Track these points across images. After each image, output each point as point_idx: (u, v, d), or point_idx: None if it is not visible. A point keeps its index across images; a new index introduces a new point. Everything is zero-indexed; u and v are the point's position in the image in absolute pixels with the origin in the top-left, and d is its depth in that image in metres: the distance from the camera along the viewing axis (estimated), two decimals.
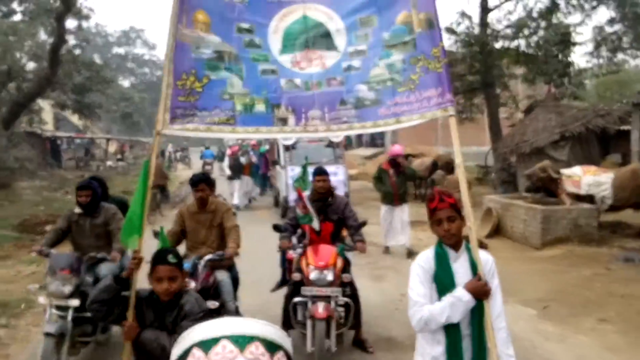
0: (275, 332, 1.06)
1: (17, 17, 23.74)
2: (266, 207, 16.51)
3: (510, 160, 15.02)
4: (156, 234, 4.96)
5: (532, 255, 9.07)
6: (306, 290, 4.90)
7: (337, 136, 12.89)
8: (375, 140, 32.92)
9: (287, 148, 13.79)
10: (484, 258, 2.89)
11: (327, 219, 5.49)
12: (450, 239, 2.82)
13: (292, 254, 5.69)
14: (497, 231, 10.40)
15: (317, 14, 3.87)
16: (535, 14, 16.12)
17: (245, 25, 3.81)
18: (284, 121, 3.75)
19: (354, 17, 3.81)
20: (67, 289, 4.58)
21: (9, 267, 9.47)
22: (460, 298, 2.69)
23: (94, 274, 4.98)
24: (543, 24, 15.36)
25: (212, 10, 3.75)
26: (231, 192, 15.74)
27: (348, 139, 27.92)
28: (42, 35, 20.17)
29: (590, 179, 9.81)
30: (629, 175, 9.63)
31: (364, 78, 3.74)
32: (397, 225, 9.60)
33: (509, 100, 18.42)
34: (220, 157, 25.71)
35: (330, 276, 4.91)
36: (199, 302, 3.20)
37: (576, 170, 10.19)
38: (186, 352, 1.00)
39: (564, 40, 14.61)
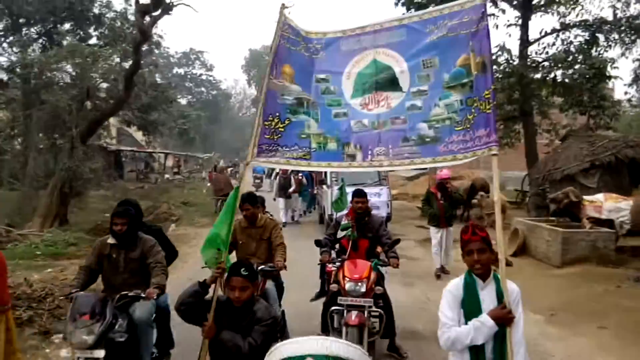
0: (357, 354, 1.10)
1: (93, 41, 26.33)
2: (312, 224, 17.45)
3: (544, 185, 15.76)
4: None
5: (552, 272, 9.92)
6: (342, 300, 5.31)
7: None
8: None
9: None
10: (510, 288, 3.10)
11: (364, 236, 6.00)
12: (479, 269, 3.07)
13: (331, 267, 6.11)
14: (523, 250, 11.26)
15: (386, 58, 4.23)
16: (573, 48, 16.89)
17: (322, 76, 4.34)
18: (352, 157, 4.21)
19: (418, 59, 4.11)
20: (91, 338, 3.96)
21: None
22: (484, 323, 2.95)
23: (127, 316, 4.40)
24: (580, 57, 16.09)
25: (296, 64, 4.30)
26: (281, 208, 16.68)
27: None
28: (116, 59, 22.18)
29: (610, 205, 10.61)
30: None
31: (425, 117, 4.04)
32: (447, 248, 10.04)
33: (550, 128, 19.13)
34: (269, 174, 27.17)
35: (363, 288, 5.29)
36: (269, 309, 3.56)
37: (598, 196, 10.99)
38: None
39: (599, 74, 15.33)
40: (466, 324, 2.99)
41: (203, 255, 4.13)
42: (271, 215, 6.97)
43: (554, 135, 19.12)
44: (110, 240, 4.66)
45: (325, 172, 15.11)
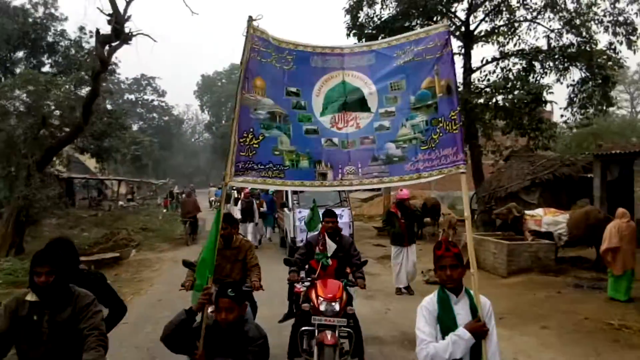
0: None
1: (46, 69, 26.17)
2: (274, 247, 17.29)
3: (490, 203, 16.80)
4: (185, 264, 5.61)
5: (499, 282, 10.75)
6: (316, 319, 5.26)
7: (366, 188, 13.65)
8: None
9: (295, 191, 14.01)
10: (483, 301, 3.20)
11: (334, 256, 6.00)
12: (452, 284, 3.15)
13: (299, 288, 6.21)
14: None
15: (355, 80, 4.33)
16: (512, 76, 18.19)
17: (293, 89, 4.31)
18: (323, 176, 4.24)
19: (386, 82, 4.23)
20: None
21: None
22: (461, 337, 3.01)
23: None
24: (518, 84, 17.34)
25: (268, 77, 4.23)
26: (244, 234, 15.58)
27: None
28: (71, 87, 22.17)
29: (549, 218, 11.60)
30: (582, 216, 11.44)
31: (392, 137, 4.13)
32: (409, 266, 10.13)
33: (494, 149, 20.32)
34: (228, 200, 27.21)
35: (337, 307, 5.32)
36: (259, 329, 3.51)
37: (538, 211, 12.00)
38: None
39: (536, 99, 16.57)
40: (443, 338, 3.05)
41: (202, 283, 3.90)
42: (244, 236, 7.02)
43: (498, 156, 20.33)
44: (30, 297, 3.26)
45: (287, 195, 15.25)
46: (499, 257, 11.15)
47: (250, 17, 4.17)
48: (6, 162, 18.69)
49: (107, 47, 15.21)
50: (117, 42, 14.86)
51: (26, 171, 16.89)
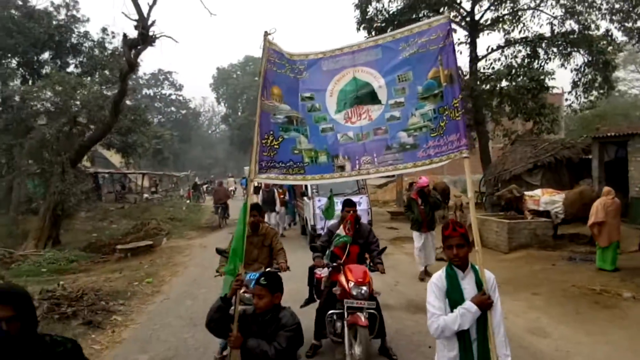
0: None
1: (70, 69, 27.46)
2: (295, 236, 17.48)
3: (498, 185, 17.70)
4: (218, 251, 6.04)
5: (500, 257, 11.74)
6: (347, 302, 5.52)
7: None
8: None
9: None
10: (487, 276, 3.39)
11: (355, 242, 6.21)
12: (458, 261, 3.35)
13: (321, 274, 6.44)
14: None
15: (364, 75, 4.53)
16: (516, 63, 18.99)
17: (307, 94, 4.60)
18: (342, 168, 4.48)
19: (394, 75, 4.41)
20: None
21: (98, 274, 12.15)
22: (469, 309, 3.21)
23: None
24: (521, 71, 18.16)
25: (284, 85, 4.55)
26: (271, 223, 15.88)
27: None
28: (96, 86, 23.41)
29: (547, 198, 12.53)
30: (577, 195, 12.35)
31: (403, 126, 4.32)
32: (427, 251, 10.44)
33: (502, 134, 21.17)
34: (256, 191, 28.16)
35: (366, 290, 5.58)
36: (293, 316, 3.67)
37: (537, 191, 12.93)
38: None
39: (538, 86, 17.39)
40: (452, 311, 3.24)
41: (231, 272, 4.10)
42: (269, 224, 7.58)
43: (507, 140, 21.16)
44: None
45: (306, 185, 14.94)
46: (501, 235, 12.12)
47: (265, 32, 4.50)
48: (40, 160, 20.11)
49: (133, 50, 16.32)
50: (143, 45, 15.95)
51: (60, 168, 18.16)
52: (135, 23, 15.11)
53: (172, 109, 71.17)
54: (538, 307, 8.13)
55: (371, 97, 4.48)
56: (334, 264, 6.03)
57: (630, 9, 16.61)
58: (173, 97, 70.99)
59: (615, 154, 15.02)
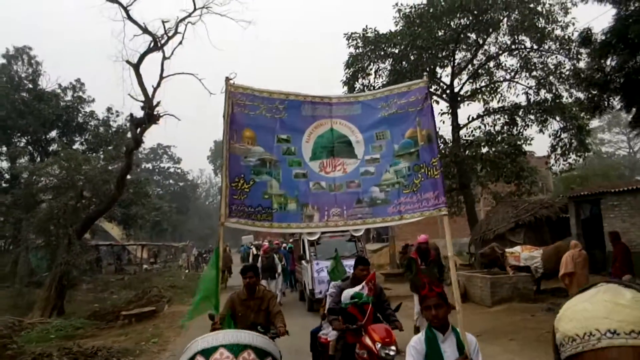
0: (264, 342, 1.18)
1: (76, 146, 28.88)
2: (293, 302, 17.09)
3: (483, 245, 18.59)
4: (210, 317, 5.55)
5: (485, 311, 12.50)
6: None
7: (357, 231, 13.75)
8: (381, 235, 36.57)
9: (312, 243, 14.45)
10: (469, 339, 3.31)
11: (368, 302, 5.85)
12: (437, 323, 3.25)
13: (327, 338, 6.12)
14: (464, 297, 13.84)
15: (342, 128, 4.58)
16: (494, 131, 20.39)
17: (283, 136, 4.54)
18: (310, 218, 4.41)
19: (372, 132, 4.51)
20: None
21: (105, 338, 12.77)
22: None
23: None
24: (499, 138, 19.52)
25: (257, 127, 4.49)
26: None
27: None
28: (101, 162, 24.66)
29: (526, 254, 13.44)
30: (553, 250, 13.28)
31: (377, 181, 4.39)
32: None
33: (490, 196, 22.25)
34: (245, 257, 28.38)
35: (395, 350, 5.28)
36: None
37: (517, 248, 13.86)
38: None
39: (516, 151, 18.70)
40: None
41: (189, 318, 4.42)
42: (265, 286, 7.02)
43: (493, 203, 22.20)
44: None
45: (304, 248, 15.16)
46: (484, 290, 12.92)
47: (226, 77, 4.52)
48: (47, 232, 21.02)
49: (139, 129, 17.66)
50: (148, 123, 17.30)
51: (67, 239, 19.07)
52: (141, 104, 16.50)
53: (171, 181, 72.90)
54: (512, 351, 8.89)
55: (348, 151, 4.54)
56: (354, 326, 5.54)
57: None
58: (172, 170, 72.88)
59: (590, 211, 16.04)
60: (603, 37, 9.76)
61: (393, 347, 5.26)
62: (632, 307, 0.87)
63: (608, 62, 9.85)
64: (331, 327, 5.82)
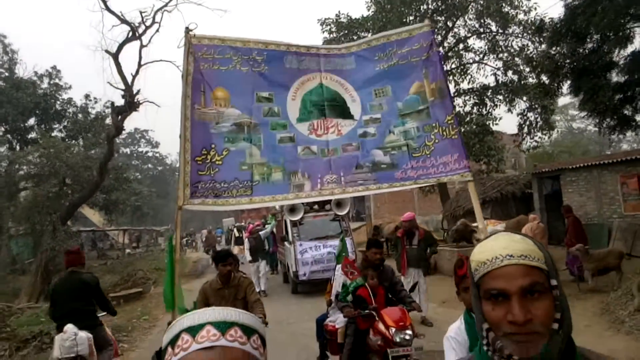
0: (251, 319, 1.18)
1: (54, 133, 28.99)
2: (277, 285, 16.34)
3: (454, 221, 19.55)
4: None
5: (451, 281, 13.40)
6: (392, 352, 4.74)
7: (341, 209, 13.77)
8: (360, 214, 37.44)
9: (295, 224, 13.89)
10: None
11: (380, 284, 5.54)
12: None
13: (334, 325, 5.71)
14: (435, 270, 14.82)
15: (333, 84, 4.03)
16: (463, 112, 21.23)
17: (264, 94, 3.90)
18: (300, 187, 3.85)
19: (369, 89, 4.01)
20: None
21: None
22: None
23: None
24: (468, 118, 20.39)
25: (231, 85, 3.82)
26: (257, 276, 14.31)
27: None
28: (81, 149, 24.98)
29: (490, 228, 14.36)
30: (515, 224, 14.26)
31: (379, 143, 3.94)
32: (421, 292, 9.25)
33: None
34: (229, 239, 28.73)
35: (411, 335, 4.88)
36: None
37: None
38: (176, 337, 1.14)
39: (484, 131, 19.59)
40: None
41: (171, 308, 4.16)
42: (244, 274, 6.33)
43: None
44: None
45: (286, 228, 14.63)
46: (452, 262, 13.80)
47: (186, 28, 3.81)
48: (31, 220, 21.41)
49: (119, 116, 18.09)
50: (129, 111, 17.73)
51: (52, 226, 19.54)
52: (122, 92, 16.92)
53: (150, 165, 72.70)
54: None
55: (342, 111, 4.04)
56: (366, 311, 5.09)
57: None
58: (150, 154, 72.72)
59: (551, 187, 17.06)
60: (555, 26, 10.57)
61: (409, 331, 4.89)
62: (521, 242, 1.28)
63: (559, 50, 10.67)
64: (342, 313, 5.43)
